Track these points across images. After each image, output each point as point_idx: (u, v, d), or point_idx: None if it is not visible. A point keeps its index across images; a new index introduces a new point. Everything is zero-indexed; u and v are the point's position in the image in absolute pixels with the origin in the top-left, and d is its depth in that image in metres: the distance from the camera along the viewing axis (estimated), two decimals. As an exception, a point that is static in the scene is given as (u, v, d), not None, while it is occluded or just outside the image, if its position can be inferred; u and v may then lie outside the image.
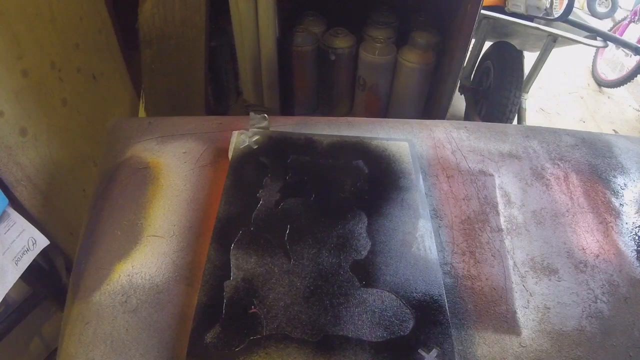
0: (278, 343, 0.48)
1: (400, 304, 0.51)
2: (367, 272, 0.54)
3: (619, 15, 2.98)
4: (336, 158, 0.68)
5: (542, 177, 0.69)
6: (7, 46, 0.77)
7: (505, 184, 0.67)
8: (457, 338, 0.50)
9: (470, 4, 0.87)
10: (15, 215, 0.75)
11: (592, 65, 2.50)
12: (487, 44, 1.75)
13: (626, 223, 0.63)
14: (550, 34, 1.40)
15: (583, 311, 0.54)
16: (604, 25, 2.63)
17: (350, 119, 0.78)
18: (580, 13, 1.46)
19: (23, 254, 0.75)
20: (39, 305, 0.95)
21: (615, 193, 0.67)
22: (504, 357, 0.50)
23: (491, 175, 0.69)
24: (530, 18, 1.41)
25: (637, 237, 0.62)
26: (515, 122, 1.60)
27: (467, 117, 1.82)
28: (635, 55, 1.40)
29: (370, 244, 0.57)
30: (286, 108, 1.08)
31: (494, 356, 0.50)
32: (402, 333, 0.48)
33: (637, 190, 0.68)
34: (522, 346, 0.51)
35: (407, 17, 1.07)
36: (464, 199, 0.65)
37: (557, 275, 0.57)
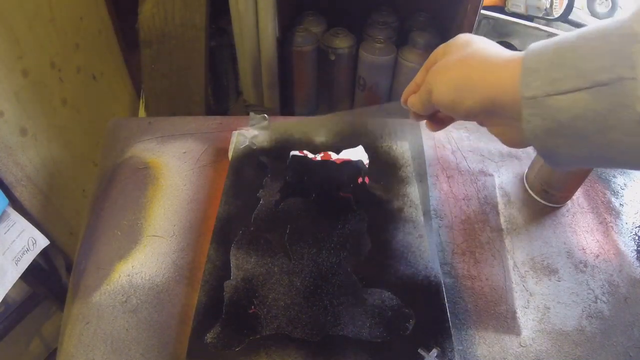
0: (278, 343, 0.48)
1: (400, 304, 0.51)
2: (367, 272, 0.54)
3: (619, 15, 2.99)
4: (336, 158, 0.68)
5: (542, 177, 0.68)
6: (7, 46, 0.77)
7: (505, 184, 0.67)
8: (457, 338, 0.51)
9: (470, 4, 0.87)
10: (15, 215, 0.75)
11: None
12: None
13: (626, 223, 0.63)
14: (550, 34, 1.40)
15: (583, 311, 0.54)
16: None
17: (350, 119, 0.78)
18: (580, 13, 1.46)
19: (23, 254, 0.75)
20: (39, 305, 0.96)
21: (615, 193, 0.67)
22: (504, 357, 0.50)
23: (491, 175, 0.69)
24: (530, 18, 1.42)
25: (637, 237, 0.62)
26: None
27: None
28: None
29: (370, 244, 0.57)
30: (286, 108, 1.08)
31: (494, 356, 0.50)
32: (402, 333, 0.49)
33: (637, 190, 0.68)
34: (522, 346, 0.51)
35: (407, 17, 1.07)
36: (464, 199, 0.65)
37: (557, 275, 0.57)
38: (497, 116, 0.35)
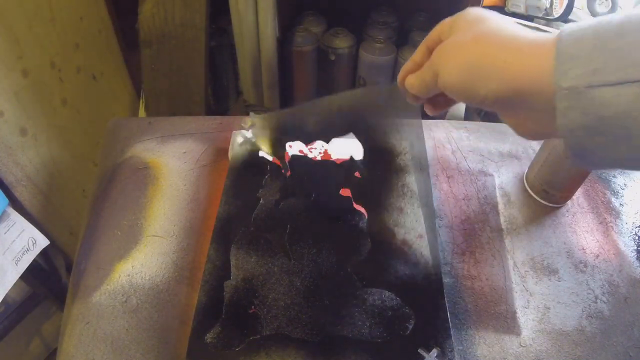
0: (278, 343, 0.48)
1: (400, 304, 0.51)
2: (367, 272, 0.54)
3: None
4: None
5: (542, 177, 0.68)
6: (7, 46, 0.77)
7: (505, 184, 0.67)
8: (457, 338, 0.51)
9: (470, 4, 0.87)
10: (15, 215, 0.75)
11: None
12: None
13: (626, 223, 0.63)
14: (550, 34, 1.40)
15: (583, 311, 0.54)
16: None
17: (350, 119, 0.78)
18: (580, 13, 1.47)
19: (23, 254, 0.75)
20: (39, 305, 0.96)
21: (615, 193, 0.67)
22: (504, 357, 0.50)
23: (491, 175, 0.69)
24: (530, 18, 1.42)
25: (637, 237, 0.62)
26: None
27: (467, 117, 1.82)
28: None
29: (370, 244, 0.57)
30: (286, 108, 1.08)
31: (494, 356, 0.50)
32: (402, 333, 0.49)
33: (637, 190, 0.68)
34: (522, 346, 0.51)
35: (407, 17, 1.07)
36: (464, 199, 0.65)
37: (557, 275, 0.57)
38: (516, 106, 0.30)
